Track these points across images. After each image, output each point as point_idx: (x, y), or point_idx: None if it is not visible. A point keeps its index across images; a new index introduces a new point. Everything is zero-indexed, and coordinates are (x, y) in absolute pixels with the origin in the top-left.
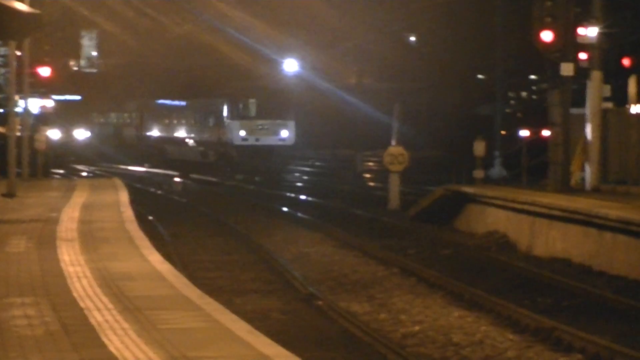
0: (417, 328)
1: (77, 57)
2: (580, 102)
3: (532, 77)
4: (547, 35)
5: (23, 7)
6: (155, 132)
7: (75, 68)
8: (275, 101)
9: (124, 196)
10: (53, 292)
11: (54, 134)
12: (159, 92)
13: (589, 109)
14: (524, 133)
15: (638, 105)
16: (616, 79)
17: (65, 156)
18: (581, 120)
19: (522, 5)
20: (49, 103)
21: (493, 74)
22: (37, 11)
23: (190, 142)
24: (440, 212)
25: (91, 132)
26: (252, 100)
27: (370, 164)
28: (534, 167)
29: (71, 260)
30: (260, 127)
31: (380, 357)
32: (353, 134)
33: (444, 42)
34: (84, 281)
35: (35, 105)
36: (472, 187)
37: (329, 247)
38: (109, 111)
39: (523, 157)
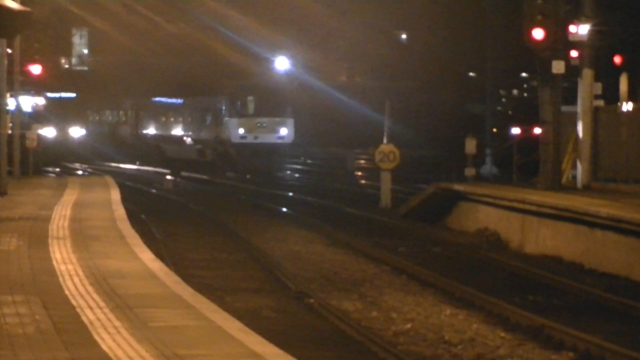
0: (408, 326)
1: (68, 54)
2: (571, 100)
3: (524, 75)
4: (538, 33)
5: (13, 4)
6: (151, 131)
7: (67, 66)
8: (274, 99)
9: (115, 194)
10: (44, 290)
11: (49, 132)
12: (154, 89)
13: (580, 107)
14: (515, 131)
15: (629, 103)
16: (607, 76)
17: (60, 154)
18: (572, 118)
19: (512, 3)
20: (41, 101)
21: (484, 72)
22: (28, 9)
23: (188, 140)
24: (431, 210)
25: (86, 130)
26: (250, 98)
27: (362, 162)
28: (525, 165)
29: (63, 258)
30: (259, 124)
31: (371, 355)
32: (344, 131)
33: (436, 40)
34: (76, 279)
35: (26, 103)
36: (463, 184)
37: (320, 245)
38: (104, 109)
39: (514, 154)
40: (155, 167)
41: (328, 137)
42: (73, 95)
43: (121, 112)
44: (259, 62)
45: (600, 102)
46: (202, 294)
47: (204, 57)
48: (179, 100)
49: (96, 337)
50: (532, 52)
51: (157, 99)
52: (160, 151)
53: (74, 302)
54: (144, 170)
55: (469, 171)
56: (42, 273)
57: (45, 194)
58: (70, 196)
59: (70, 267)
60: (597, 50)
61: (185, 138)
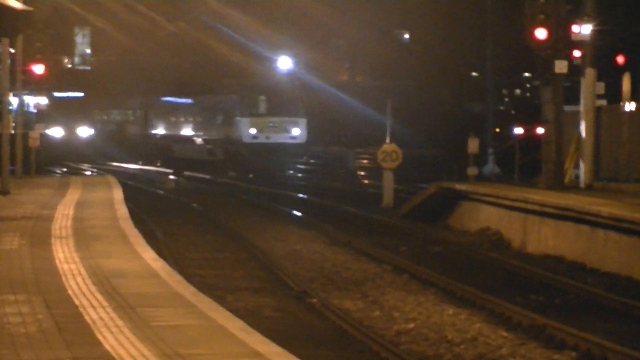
0: (410, 325)
1: (71, 54)
2: (572, 99)
3: (526, 74)
4: (540, 33)
5: (15, 3)
6: (160, 130)
7: (69, 65)
8: (286, 98)
9: (118, 194)
10: (47, 290)
11: (57, 131)
12: (163, 89)
13: (582, 107)
14: (518, 130)
15: (631, 102)
16: (610, 76)
17: (66, 154)
18: (574, 118)
19: (513, 2)
20: (43, 100)
21: (485, 72)
22: (30, 8)
23: (198, 140)
24: (432, 209)
25: (94, 129)
26: (262, 97)
27: (363, 161)
28: (526, 165)
29: (65, 257)
30: (270, 124)
31: (373, 355)
32: (345, 131)
33: (437, 40)
34: (78, 278)
35: (30, 102)
36: (464, 184)
37: (321, 244)
38: (111, 108)
39: (516, 154)
40: (158, 166)
41: (329, 137)
42: (81, 94)
43: (129, 112)
44: (261, 62)
45: (603, 102)
46: (203, 293)
47: (205, 57)
48: (189, 100)
49: (99, 337)
50: (534, 51)
51: (167, 98)
52: (169, 151)
53: (76, 302)
54: (147, 170)
55: (471, 171)
56: (44, 272)
57: (48, 194)
58: (72, 195)
59: (72, 266)
60: (600, 50)
61: (195, 138)
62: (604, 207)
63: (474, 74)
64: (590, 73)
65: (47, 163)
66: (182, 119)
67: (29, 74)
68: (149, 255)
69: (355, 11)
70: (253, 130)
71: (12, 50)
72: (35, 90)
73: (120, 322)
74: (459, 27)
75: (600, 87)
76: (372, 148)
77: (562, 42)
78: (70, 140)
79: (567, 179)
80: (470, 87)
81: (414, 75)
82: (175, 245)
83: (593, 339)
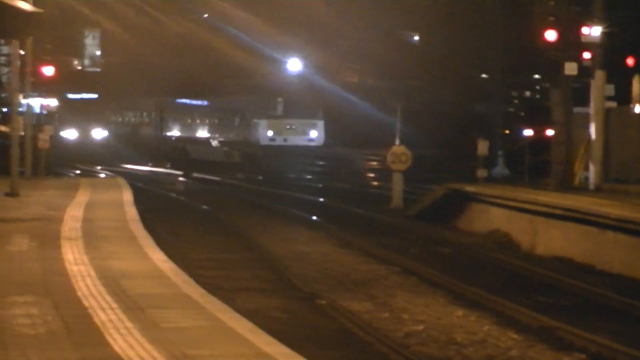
0: (419, 327)
1: (80, 56)
2: (582, 101)
3: (535, 76)
4: (550, 35)
5: (26, 5)
6: (175, 132)
7: (79, 67)
8: (304, 100)
9: (127, 195)
10: (56, 291)
11: (70, 133)
12: (178, 90)
13: (592, 109)
14: (527, 132)
15: None
16: (620, 78)
17: (80, 156)
18: (584, 120)
19: (521, 4)
20: (52, 102)
21: (494, 73)
22: (40, 10)
23: (214, 142)
24: (441, 211)
25: (108, 131)
26: (279, 99)
27: (372, 163)
28: (536, 166)
29: (74, 259)
30: (288, 126)
31: (382, 357)
32: (354, 132)
33: (445, 41)
34: (88, 280)
35: (37, 104)
36: (473, 186)
37: (329, 246)
38: (125, 110)
39: (526, 156)
40: (167, 168)
41: (338, 138)
42: (94, 96)
43: (144, 114)
44: (271, 64)
45: (613, 104)
46: (211, 294)
47: (215, 59)
48: (204, 102)
49: (108, 338)
50: (543, 53)
51: (181, 100)
52: (184, 153)
53: (85, 303)
54: (157, 172)
55: (481, 172)
56: (53, 274)
57: (57, 195)
58: (82, 197)
59: (82, 267)
60: (609, 52)
61: (211, 140)
62: (612, 208)
63: (483, 75)
64: (599, 75)
65: (59, 165)
66: (198, 121)
67: (39, 75)
68: (158, 257)
69: (364, 13)
70: (270, 133)
71: (22, 52)
72: (45, 92)
73: (129, 324)
74: (467, 28)
75: (610, 89)
76: (381, 150)
77: (571, 44)
78: (84, 142)
79: (576, 181)
80: (478, 89)
81: (422, 76)
82: (184, 246)
83: (602, 340)
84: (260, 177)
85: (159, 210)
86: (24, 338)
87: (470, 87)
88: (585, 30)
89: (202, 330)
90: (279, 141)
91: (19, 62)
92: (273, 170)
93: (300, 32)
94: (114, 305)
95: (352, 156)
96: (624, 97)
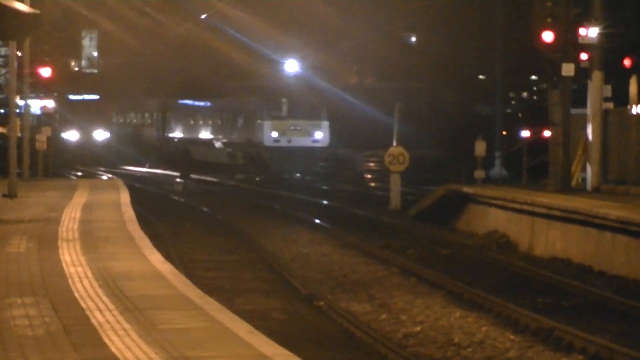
0: (418, 328)
1: (78, 57)
2: (580, 102)
3: (533, 77)
4: (548, 36)
5: (23, 7)
6: (178, 133)
7: (76, 69)
8: (308, 100)
9: (125, 196)
10: (54, 292)
11: (72, 135)
12: (181, 91)
13: (590, 110)
14: (525, 133)
15: (639, 105)
16: (617, 79)
17: (82, 157)
18: (582, 121)
19: (521, 5)
20: (50, 103)
21: (493, 74)
22: (37, 11)
23: (217, 143)
24: (440, 212)
25: (110, 132)
26: (284, 100)
27: (371, 164)
28: (534, 167)
29: (72, 260)
30: (292, 127)
31: (381, 358)
32: (353, 133)
33: (444, 42)
34: (85, 281)
35: (35, 105)
36: (472, 187)
37: (329, 247)
38: (128, 111)
39: (524, 157)
40: (165, 169)
41: (338, 139)
42: (96, 97)
43: (146, 115)
44: (269, 64)
45: (610, 105)
46: (211, 295)
47: (214, 59)
48: (208, 103)
49: (105, 339)
50: (542, 54)
51: (184, 101)
52: (187, 154)
53: (83, 305)
54: (155, 173)
55: (479, 174)
56: (51, 275)
57: (55, 196)
58: (79, 198)
59: (79, 269)
60: (607, 53)
61: (214, 141)
62: (611, 209)
63: (480, 76)
64: (597, 76)
65: (60, 167)
66: (201, 122)
67: (36, 76)
68: (156, 258)
69: (364, 13)
70: (275, 134)
71: (20, 54)
72: (43, 94)
73: (127, 325)
74: (468, 29)
75: (608, 90)
76: (380, 151)
77: (569, 44)
78: (85, 144)
79: (574, 182)
80: (478, 90)
81: (422, 77)
82: (184, 247)
83: (601, 341)
84: (258, 179)
85: (158, 211)
86: (22, 339)
87: (470, 88)
88: (582, 31)
89: (200, 332)
90: (283, 142)
91: (16, 64)
92: (278, 171)
93: (300, 32)
94: (111, 306)
95: (352, 157)
96: (621, 98)
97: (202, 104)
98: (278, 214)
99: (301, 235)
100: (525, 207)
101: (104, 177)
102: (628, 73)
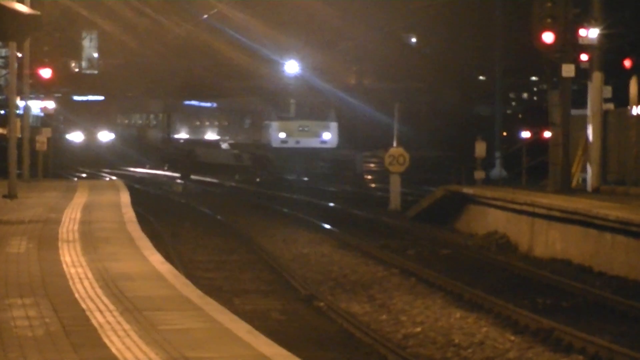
0: (417, 329)
1: (78, 58)
2: (581, 103)
3: (533, 78)
4: (547, 37)
5: (23, 8)
6: (183, 135)
7: (76, 69)
8: (316, 101)
9: (125, 197)
10: (54, 293)
11: (76, 136)
12: (186, 92)
13: (589, 110)
14: (525, 134)
15: (639, 106)
16: (617, 80)
17: (86, 159)
18: (582, 121)
19: (521, 6)
20: (50, 104)
21: (493, 75)
22: (37, 12)
23: (224, 145)
24: (440, 212)
25: (114, 134)
26: (292, 100)
27: (371, 165)
28: (534, 168)
29: (72, 261)
30: (300, 128)
31: (380, 358)
32: (353, 134)
33: (444, 42)
34: (85, 282)
35: (36, 106)
36: (472, 187)
37: (328, 247)
38: (132, 112)
39: (523, 157)
40: (165, 170)
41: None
42: (101, 97)
43: (151, 116)
44: (268, 65)
45: (610, 106)
46: (210, 296)
47: (214, 60)
48: (214, 103)
49: (105, 340)
50: (542, 55)
51: (190, 102)
52: (192, 156)
53: (83, 305)
54: (156, 174)
55: (478, 174)
56: (51, 276)
57: (55, 197)
58: (79, 199)
59: (79, 269)
60: (607, 54)
61: (220, 142)
62: (611, 210)
63: (480, 77)
64: (597, 77)
65: (64, 168)
66: (207, 123)
67: (36, 77)
68: (156, 259)
69: (363, 14)
70: (282, 135)
71: (20, 55)
72: (43, 94)
73: (127, 326)
74: (467, 30)
75: (608, 91)
76: (380, 151)
77: (569, 45)
78: (89, 145)
79: (574, 183)
80: (478, 90)
81: (421, 77)
82: (183, 248)
83: (601, 342)
84: (258, 179)
85: (159, 212)
86: (22, 340)
87: (470, 88)
88: (582, 32)
89: (200, 332)
90: (291, 143)
91: (16, 65)
92: (285, 173)
93: (300, 33)
94: (111, 307)
95: (352, 157)
96: (621, 99)
97: (207, 104)
98: (278, 214)
99: (301, 235)
100: (525, 207)
101: (106, 178)
102: (628, 74)
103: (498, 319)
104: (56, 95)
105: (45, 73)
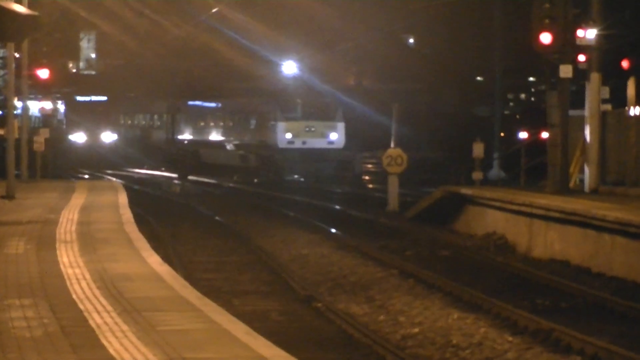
0: (416, 330)
1: (76, 58)
2: (579, 103)
3: (531, 79)
4: (546, 37)
5: (21, 8)
6: (187, 135)
7: (74, 70)
8: (323, 101)
9: (122, 198)
10: (52, 294)
11: (79, 137)
12: (190, 92)
13: (587, 111)
14: (523, 135)
15: (637, 107)
16: (615, 80)
17: (88, 160)
18: (580, 122)
19: (520, 6)
20: (48, 105)
21: (492, 75)
22: (35, 13)
23: (229, 145)
24: (439, 213)
25: (117, 134)
26: (298, 100)
27: (369, 165)
28: (532, 169)
29: (70, 261)
30: (307, 129)
31: (379, 359)
32: (351, 135)
33: (443, 43)
34: (83, 283)
35: (35, 107)
36: (470, 188)
37: (327, 248)
38: (136, 113)
39: (522, 158)
40: (162, 171)
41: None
42: (104, 98)
43: (155, 117)
44: (267, 66)
45: (608, 106)
46: (209, 297)
47: (214, 61)
48: (219, 104)
49: (103, 341)
50: (540, 56)
51: (195, 102)
52: (197, 157)
53: (81, 306)
54: (154, 175)
55: (477, 175)
56: (49, 276)
57: (53, 198)
58: (77, 200)
59: (77, 270)
60: (605, 54)
61: (226, 143)
62: (609, 211)
63: (479, 78)
64: (595, 77)
65: (66, 169)
66: (212, 124)
67: (34, 78)
68: (154, 260)
69: (362, 15)
70: (289, 135)
71: (18, 55)
72: (42, 95)
73: (125, 327)
74: (466, 31)
75: (606, 92)
76: (379, 152)
77: (568, 46)
78: (92, 146)
79: (572, 183)
80: (476, 91)
81: (421, 78)
82: (182, 248)
83: (599, 343)
84: (256, 180)
85: (157, 213)
86: (20, 340)
87: (469, 89)
88: (580, 32)
89: (198, 333)
90: (297, 144)
91: (14, 65)
92: (291, 174)
93: (299, 34)
94: (109, 308)
95: (350, 158)
96: (619, 100)
97: (212, 105)
98: (276, 215)
99: (299, 236)
100: (523, 208)
101: (106, 179)
102: (626, 74)
103: (497, 319)
104: (55, 96)
105: (43, 74)
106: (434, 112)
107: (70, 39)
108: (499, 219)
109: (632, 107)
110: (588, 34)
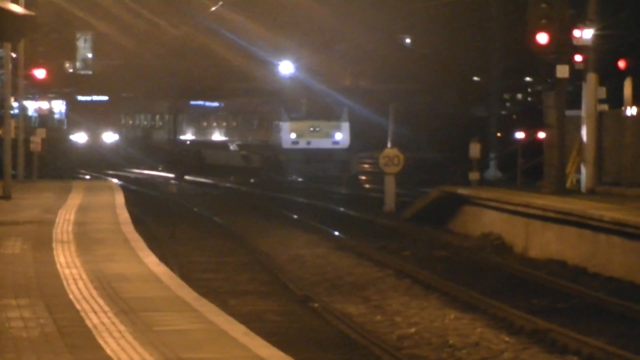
0: (412, 330)
1: (72, 58)
2: (575, 104)
3: (528, 79)
4: (542, 38)
5: (18, 8)
6: (189, 136)
7: (71, 70)
8: (328, 100)
9: (119, 198)
10: (49, 294)
11: (80, 137)
12: (193, 92)
13: (584, 111)
14: (520, 135)
15: (633, 107)
16: (611, 81)
17: (89, 160)
18: (577, 122)
19: (517, 6)
20: (44, 105)
21: (489, 76)
22: (32, 13)
23: (232, 146)
24: (435, 213)
25: (119, 135)
26: (303, 100)
27: (366, 165)
28: (529, 169)
29: (67, 262)
30: (312, 129)
31: (375, 359)
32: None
33: (440, 44)
34: (80, 283)
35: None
36: (467, 188)
37: (324, 248)
38: (137, 113)
39: (518, 159)
40: (159, 171)
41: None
42: (105, 98)
43: (157, 117)
44: (263, 66)
45: (605, 107)
46: (206, 297)
47: (212, 61)
48: (222, 104)
49: (100, 341)
50: (537, 56)
51: (197, 102)
52: (199, 158)
53: (78, 306)
54: (150, 175)
55: (473, 175)
56: (46, 277)
57: (50, 198)
58: (74, 200)
59: (74, 270)
60: (602, 55)
61: (229, 144)
62: (606, 211)
63: (475, 78)
64: (592, 78)
65: (67, 169)
66: (214, 124)
67: (31, 78)
68: (151, 260)
69: (359, 15)
70: (293, 135)
71: (14, 55)
72: (38, 95)
73: (122, 327)
74: (463, 31)
75: (602, 92)
76: (376, 152)
77: (564, 46)
78: (93, 146)
79: (568, 184)
80: (473, 91)
81: (418, 79)
82: (179, 249)
83: (596, 343)
84: (252, 180)
85: (154, 213)
86: (17, 341)
87: (466, 89)
88: (577, 33)
89: (196, 334)
90: (302, 144)
91: (10, 65)
92: (295, 174)
93: (296, 34)
94: (106, 308)
95: (346, 159)
96: (616, 100)
97: (215, 105)
98: (273, 215)
99: (296, 237)
100: (520, 208)
101: (103, 179)
102: (622, 75)
103: (493, 320)
104: (50, 96)
105: (40, 74)
106: (433, 112)
107: (67, 39)
108: (496, 219)
109: (628, 108)
110: (585, 34)
